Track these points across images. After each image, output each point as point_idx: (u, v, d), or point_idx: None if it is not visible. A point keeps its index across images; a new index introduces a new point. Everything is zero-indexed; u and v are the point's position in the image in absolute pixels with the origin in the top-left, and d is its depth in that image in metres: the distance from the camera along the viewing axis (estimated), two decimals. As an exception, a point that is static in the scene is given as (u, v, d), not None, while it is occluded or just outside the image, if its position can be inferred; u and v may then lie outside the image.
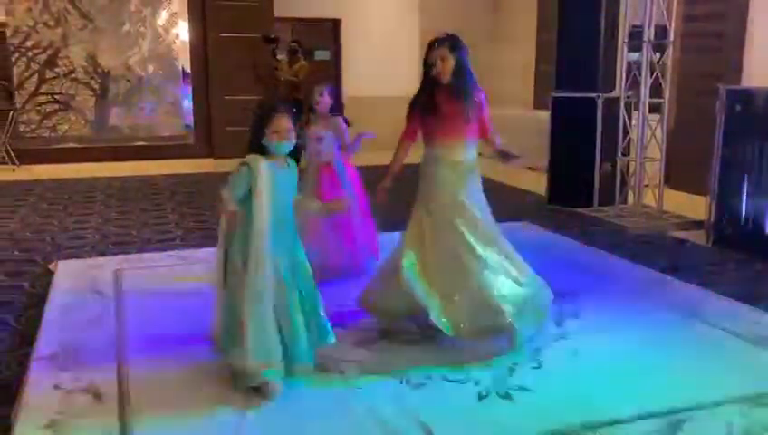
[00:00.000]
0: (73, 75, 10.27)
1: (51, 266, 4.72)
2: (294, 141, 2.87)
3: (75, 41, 10.20)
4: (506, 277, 3.36)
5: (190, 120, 10.82)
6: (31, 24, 9.98)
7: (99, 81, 10.45)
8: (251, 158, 2.82)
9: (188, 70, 10.82)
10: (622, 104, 6.65)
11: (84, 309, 3.86)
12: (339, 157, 4.28)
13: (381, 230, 4.46)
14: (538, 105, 10.42)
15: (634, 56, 6.46)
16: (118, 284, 4.34)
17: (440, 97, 3.36)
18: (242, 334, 2.78)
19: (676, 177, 7.24)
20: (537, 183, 7.60)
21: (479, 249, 3.34)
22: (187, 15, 10.43)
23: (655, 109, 6.36)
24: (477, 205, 3.44)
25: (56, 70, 10.18)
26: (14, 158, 9.23)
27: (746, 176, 5.18)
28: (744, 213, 5.23)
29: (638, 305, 3.97)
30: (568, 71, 6.90)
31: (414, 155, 3.53)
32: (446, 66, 3.32)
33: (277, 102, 2.99)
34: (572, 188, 6.77)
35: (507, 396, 2.87)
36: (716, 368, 3.15)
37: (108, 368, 3.10)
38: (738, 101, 5.23)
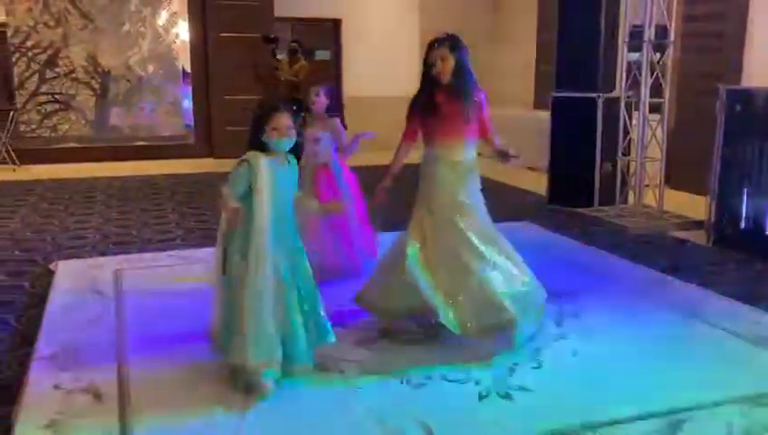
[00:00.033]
0: (74, 75, 10.28)
1: (51, 266, 4.72)
2: (294, 139, 2.87)
3: (75, 41, 10.21)
4: (507, 275, 3.38)
5: (190, 119, 10.83)
6: (31, 23, 9.98)
7: (99, 81, 10.45)
8: (251, 154, 2.82)
9: (188, 70, 10.83)
10: (622, 104, 6.64)
11: (85, 309, 3.86)
12: (336, 158, 4.27)
13: (381, 230, 4.45)
14: (538, 105, 10.42)
15: (634, 56, 6.46)
16: (118, 284, 4.34)
17: (440, 97, 3.37)
18: (241, 333, 2.79)
19: (676, 177, 7.24)
20: (537, 183, 7.60)
21: (480, 248, 3.35)
22: (187, 15, 10.44)
23: (655, 109, 6.36)
24: (477, 204, 3.45)
25: (56, 70, 10.19)
26: (15, 158, 9.24)
27: (746, 176, 5.18)
28: (744, 213, 5.23)
29: (639, 305, 3.97)
30: (568, 71, 6.90)
31: (414, 155, 3.53)
32: (446, 66, 3.32)
33: (277, 101, 3.00)
34: (573, 188, 6.77)
35: (507, 396, 2.87)
36: (716, 368, 3.15)
37: (108, 368, 3.10)
38: (738, 101, 5.23)
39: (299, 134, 2.91)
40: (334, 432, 2.60)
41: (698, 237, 5.62)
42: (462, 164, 3.41)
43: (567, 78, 6.91)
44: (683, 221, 6.07)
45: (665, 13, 6.19)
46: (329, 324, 3.03)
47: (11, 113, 9.43)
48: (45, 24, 10.03)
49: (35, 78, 10.11)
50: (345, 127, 4.34)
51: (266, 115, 2.81)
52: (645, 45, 6.20)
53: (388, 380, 3.00)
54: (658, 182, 6.39)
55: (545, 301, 3.55)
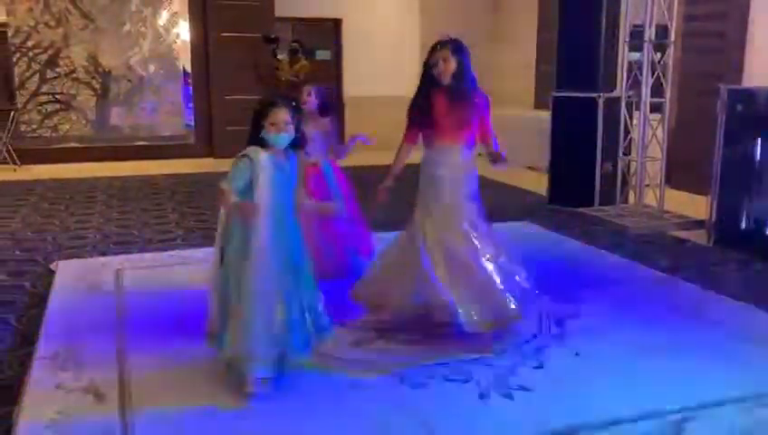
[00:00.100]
0: (74, 75, 10.28)
1: (52, 266, 4.72)
2: (293, 134, 2.87)
3: (76, 41, 10.20)
4: (506, 273, 3.42)
5: (191, 119, 10.83)
6: (32, 23, 9.98)
7: (100, 80, 10.45)
8: (251, 149, 2.82)
9: (189, 70, 10.83)
10: (623, 104, 6.64)
11: (85, 309, 3.86)
12: (326, 158, 4.26)
13: (381, 230, 4.45)
14: (539, 105, 10.42)
15: (635, 56, 6.46)
16: (119, 283, 4.34)
17: (439, 99, 3.38)
18: (235, 327, 2.79)
19: (677, 176, 7.24)
20: (538, 183, 7.60)
21: (480, 246, 3.40)
22: (187, 15, 10.44)
23: (656, 108, 6.35)
24: (475, 205, 3.49)
25: (57, 70, 10.18)
26: (16, 157, 9.24)
27: (747, 176, 5.17)
28: (744, 213, 5.23)
29: (639, 305, 3.97)
30: (569, 70, 6.90)
31: (415, 155, 3.55)
32: (447, 67, 3.34)
33: (276, 97, 3.00)
34: (573, 188, 6.76)
35: (508, 396, 2.87)
36: (717, 368, 3.15)
37: (109, 368, 3.10)
38: (739, 101, 5.23)
39: (297, 129, 2.91)
40: (335, 432, 2.60)
41: (699, 237, 5.62)
42: (461, 165, 3.43)
43: (567, 78, 6.90)
44: (683, 221, 6.07)
45: (665, 12, 6.19)
46: (327, 321, 3.04)
47: (12, 113, 9.43)
48: (46, 23, 10.02)
49: (36, 78, 10.11)
50: (338, 127, 4.32)
51: (264, 110, 2.82)
52: (645, 45, 6.19)
53: (389, 379, 3.00)
54: (659, 182, 6.39)
55: (545, 301, 3.57)
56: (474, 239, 3.41)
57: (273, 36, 9.95)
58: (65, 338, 3.41)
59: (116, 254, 5.09)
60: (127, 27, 10.44)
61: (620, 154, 6.73)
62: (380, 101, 10.18)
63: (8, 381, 3.04)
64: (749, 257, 4.99)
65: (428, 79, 3.40)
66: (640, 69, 6.27)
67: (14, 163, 9.20)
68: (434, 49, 3.38)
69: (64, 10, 10.08)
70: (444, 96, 3.37)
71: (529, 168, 8.74)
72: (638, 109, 6.44)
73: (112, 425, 2.63)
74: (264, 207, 2.77)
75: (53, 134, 10.31)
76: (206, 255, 4.35)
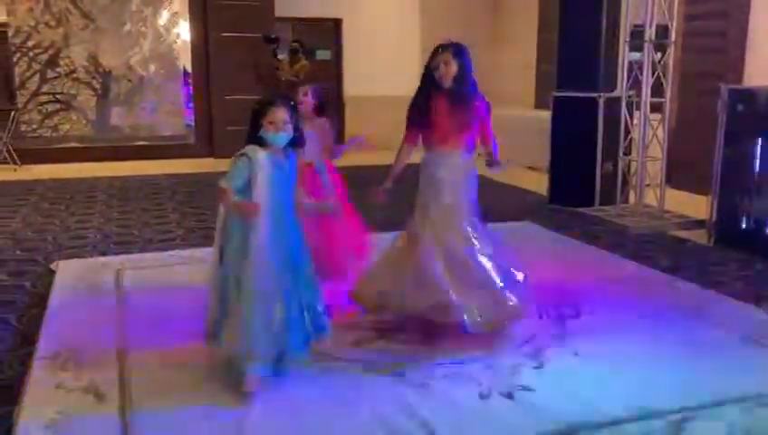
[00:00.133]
0: (75, 75, 10.28)
1: (52, 266, 4.72)
2: (291, 133, 2.87)
3: (76, 41, 10.21)
4: (505, 272, 3.45)
5: (191, 119, 10.83)
6: (32, 23, 9.99)
7: (100, 80, 10.46)
8: (250, 148, 2.82)
9: (189, 69, 10.83)
10: (623, 104, 6.64)
11: (86, 309, 3.87)
12: (322, 158, 4.25)
13: (381, 230, 4.45)
14: (539, 105, 10.42)
15: (635, 56, 6.45)
16: (119, 283, 4.34)
17: (439, 102, 3.40)
18: (232, 325, 2.79)
19: (677, 176, 7.24)
20: (538, 183, 7.60)
21: (480, 246, 3.43)
22: (188, 15, 10.45)
23: (656, 108, 6.35)
24: (474, 205, 3.51)
25: (57, 70, 10.19)
26: (16, 157, 9.24)
27: (748, 175, 5.17)
28: (745, 212, 5.22)
29: (639, 305, 3.96)
30: (569, 70, 6.90)
31: (416, 155, 3.56)
32: (449, 70, 3.36)
33: (274, 96, 3.01)
34: (574, 188, 6.76)
35: (509, 396, 2.87)
36: (717, 368, 3.15)
37: (109, 368, 3.10)
38: (740, 101, 5.23)
39: (298, 128, 2.91)
40: (336, 432, 2.60)
41: (699, 237, 5.62)
42: (461, 167, 3.45)
43: (568, 78, 6.90)
44: (684, 221, 6.07)
45: (666, 12, 6.19)
46: (326, 319, 3.04)
47: (12, 113, 9.43)
48: (46, 23, 10.03)
49: (36, 78, 10.12)
50: (337, 127, 4.32)
51: (263, 109, 2.82)
52: (646, 45, 6.19)
53: (390, 379, 3.00)
54: (659, 182, 6.39)
55: (545, 301, 3.58)
56: (473, 239, 3.43)
57: (273, 36, 9.94)
58: (65, 338, 3.41)
59: (116, 254, 5.09)
60: (127, 27, 10.44)
61: (621, 154, 6.73)
62: (380, 101, 10.17)
63: (8, 380, 3.04)
64: (749, 257, 4.99)
65: (429, 81, 3.42)
66: (641, 69, 6.27)
67: (15, 163, 9.20)
68: (435, 52, 3.40)
69: (65, 10, 10.08)
70: (445, 99, 3.39)
71: (529, 167, 8.74)
72: (638, 109, 6.44)
73: (112, 425, 2.63)
74: (263, 205, 2.77)
75: (54, 134, 10.32)
76: (207, 254, 4.34)
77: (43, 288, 4.28)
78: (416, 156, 3.55)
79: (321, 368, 3.08)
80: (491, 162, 3.47)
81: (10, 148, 9.23)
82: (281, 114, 2.82)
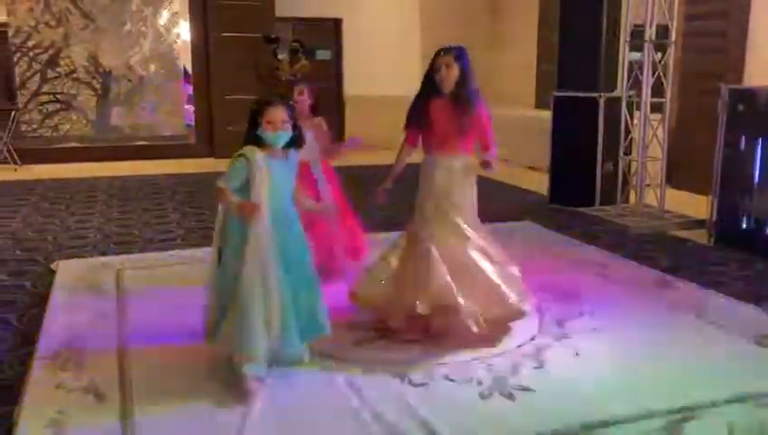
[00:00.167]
0: (75, 75, 10.28)
1: (52, 266, 4.72)
2: (290, 133, 2.87)
3: (77, 40, 10.21)
4: (506, 273, 3.48)
5: (191, 119, 10.83)
6: (32, 23, 9.99)
7: (100, 80, 10.46)
8: (247, 149, 2.83)
9: (190, 69, 10.83)
10: (624, 104, 6.64)
11: (86, 309, 3.86)
12: (317, 157, 4.25)
13: (381, 231, 4.46)
14: (540, 105, 10.43)
15: (636, 56, 6.45)
16: (119, 283, 4.34)
17: (440, 106, 3.41)
18: (235, 328, 2.79)
19: (677, 176, 7.24)
20: (539, 182, 7.60)
21: (480, 247, 3.45)
22: (188, 15, 10.45)
23: (656, 108, 6.35)
24: (473, 205, 3.53)
25: (58, 69, 10.19)
26: (16, 157, 9.24)
27: (748, 175, 5.17)
28: (745, 212, 5.22)
29: (640, 305, 3.96)
30: (569, 70, 6.90)
31: (416, 155, 3.57)
32: (450, 73, 3.37)
33: (272, 95, 3.02)
34: (574, 188, 6.76)
35: (509, 396, 2.87)
36: (717, 368, 3.15)
37: (109, 367, 3.10)
38: (740, 101, 5.23)
39: (297, 128, 2.91)
40: (336, 432, 2.60)
41: (700, 237, 5.62)
42: (459, 169, 3.46)
43: (568, 78, 6.90)
44: (684, 220, 6.07)
45: (666, 12, 6.18)
46: (325, 317, 3.04)
47: (12, 113, 9.43)
48: (46, 23, 10.03)
49: (37, 78, 10.12)
50: (336, 127, 4.32)
51: (261, 109, 2.82)
52: (646, 45, 6.19)
53: (390, 379, 3.00)
54: (660, 182, 6.39)
55: (545, 301, 3.58)
56: (473, 240, 3.44)
57: (273, 36, 9.95)
58: (65, 338, 3.41)
59: (116, 254, 5.09)
60: (127, 27, 10.44)
61: (621, 154, 6.73)
62: (380, 100, 10.17)
63: (8, 380, 3.04)
64: (749, 257, 4.99)
65: (430, 84, 3.43)
66: (641, 69, 6.27)
67: (15, 163, 9.20)
68: (437, 55, 3.42)
69: (65, 10, 10.08)
70: (445, 103, 3.41)
71: (530, 167, 8.74)
72: (638, 108, 6.43)
73: (112, 425, 2.63)
74: (262, 206, 2.77)
75: (54, 134, 10.32)
76: (207, 254, 4.34)
77: (44, 288, 4.28)
78: (416, 156, 3.55)
79: (322, 368, 3.08)
80: (485, 165, 3.46)
81: (10, 148, 9.23)
82: (279, 114, 2.82)
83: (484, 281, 3.39)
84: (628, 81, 6.57)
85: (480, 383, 2.97)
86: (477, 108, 3.42)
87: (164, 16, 10.60)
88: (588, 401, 2.82)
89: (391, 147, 3.62)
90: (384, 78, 10.70)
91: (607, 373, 3.10)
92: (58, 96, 10.26)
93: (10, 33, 9.93)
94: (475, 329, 3.28)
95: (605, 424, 2.64)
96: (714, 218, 5.47)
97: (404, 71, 10.42)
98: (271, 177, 2.81)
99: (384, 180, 3.56)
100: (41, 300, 4.04)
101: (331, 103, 10.85)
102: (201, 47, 10.33)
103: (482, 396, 2.87)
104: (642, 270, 4.69)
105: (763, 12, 6.96)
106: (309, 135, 4.16)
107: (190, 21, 10.42)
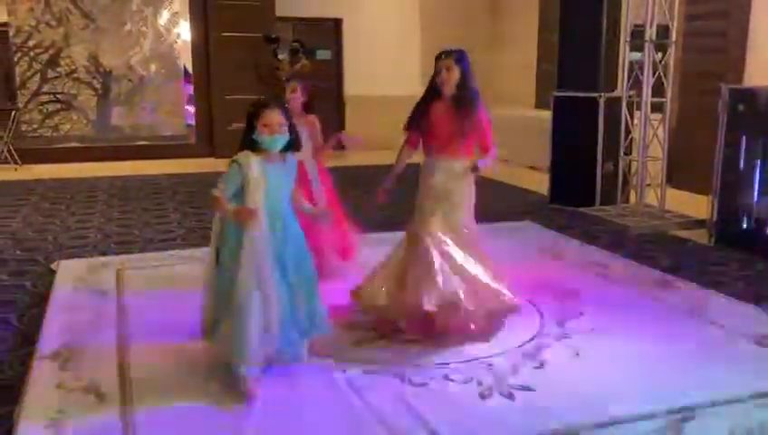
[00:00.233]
0: (75, 75, 10.28)
1: (53, 266, 4.72)
2: (287, 136, 2.86)
3: (77, 40, 10.21)
4: (494, 268, 3.57)
5: (192, 119, 10.83)
6: (33, 23, 9.99)
7: (101, 80, 10.46)
8: (241, 155, 2.83)
9: (190, 69, 10.82)
10: (624, 104, 6.64)
11: (86, 308, 3.86)
12: (311, 157, 4.24)
13: (381, 231, 4.45)
14: (540, 105, 10.42)
15: (636, 56, 6.45)
16: (119, 283, 4.34)
17: (440, 108, 3.43)
18: (233, 329, 2.79)
19: (678, 176, 7.24)
20: (539, 182, 7.60)
21: (478, 247, 3.53)
22: (188, 15, 10.45)
23: (657, 108, 6.35)
24: (471, 206, 3.56)
25: (58, 69, 10.19)
26: (17, 157, 9.24)
27: (748, 175, 5.17)
28: (746, 212, 5.22)
29: (640, 305, 3.96)
30: (570, 70, 6.90)
31: (416, 155, 3.58)
32: (451, 76, 3.39)
33: (269, 98, 3.01)
34: (574, 188, 6.76)
35: (509, 395, 2.87)
36: (718, 368, 3.14)
37: (109, 367, 3.10)
38: (740, 101, 5.23)
39: (293, 131, 2.91)
40: (336, 432, 2.60)
41: (700, 237, 5.62)
42: (460, 172, 3.47)
43: (569, 78, 6.90)
44: (684, 220, 6.07)
45: (666, 12, 6.18)
46: (325, 317, 3.04)
47: (13, 113, 9.44)
48: (47, 23, 10.03)
49: (37, 78, 10.12)
50: (336, 127, 4.33)
51: (257, 112, 2.82)
52: (646, 45, 6.19)
53: (390, 379, 3.00)
54: (660, 181, 6.39)
55: (545, 301, 3.61)
56: (470, 240, 3.49)
57: (273, 36, 9.95)
58: (66, 338, 3.42)
59: (116, 254, 5.09)
60: (128, 27, 10.44)
61: (621, 154, 6.73)
62: (380, 100, 10.17)
63: (8, 380, 3.04)
64: (750, 257, 4.99)
65: (432, 88, 3.47)
66: (641, 69, 6.27)
67: (15, 163, 9.20)
68: (438, 58, 3.44)
69: (65, 10, 10.09)
70: (446, 106, 3.43)
71: (530, 167, 8.74)
72: (638, 108, 6.43)
73: (113, 425, 2.63)
74: (258, 211, 2.77)
75: (54, 134, 10.32)
76: (206, 254, 4.35)
77: (44, 288, 4.28)
78: (416, 156, 3.56)
79: (322, 368, 3.08)
80: (474, 169, 3.45)
81: (11, 147, 9.23)
82: (276, 117, 2.81)
83: (480, 279, 3.44)
84: (629, 81, 6.57)
85: (480, 383, 2.97)
86: (478, 111, 3.44)
87: (164, 16, 10.61)
88: (588, 401, 2.82)
89: (391, 147, 3.62)
90: (384, 78, 10.70)
91: (607, 373, 3.09)
92: (58, 96, 10.27)
93: (11, 33, 9.93)
94: (473, 328, 3.31)
95: (605, 424, 2.64)
96: (714, 218, 5.47)
97: (404, 71, 10.42)
98: (266, 181, 2.81)
99: (384, 180, 3.58)
100: (41, 300, 4.04)
101: (331, 103, 10.85)
102: (201, 47, 10.34)
103: (482, 396, 2.87)
104: (642, 270, 4.69)
105: (763, 12, 6.96)
106: (303, 134, 4.16)
107: (190, 21, 10.42)
